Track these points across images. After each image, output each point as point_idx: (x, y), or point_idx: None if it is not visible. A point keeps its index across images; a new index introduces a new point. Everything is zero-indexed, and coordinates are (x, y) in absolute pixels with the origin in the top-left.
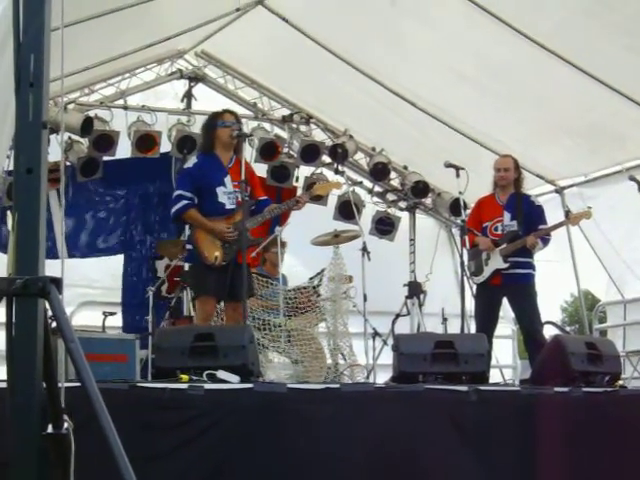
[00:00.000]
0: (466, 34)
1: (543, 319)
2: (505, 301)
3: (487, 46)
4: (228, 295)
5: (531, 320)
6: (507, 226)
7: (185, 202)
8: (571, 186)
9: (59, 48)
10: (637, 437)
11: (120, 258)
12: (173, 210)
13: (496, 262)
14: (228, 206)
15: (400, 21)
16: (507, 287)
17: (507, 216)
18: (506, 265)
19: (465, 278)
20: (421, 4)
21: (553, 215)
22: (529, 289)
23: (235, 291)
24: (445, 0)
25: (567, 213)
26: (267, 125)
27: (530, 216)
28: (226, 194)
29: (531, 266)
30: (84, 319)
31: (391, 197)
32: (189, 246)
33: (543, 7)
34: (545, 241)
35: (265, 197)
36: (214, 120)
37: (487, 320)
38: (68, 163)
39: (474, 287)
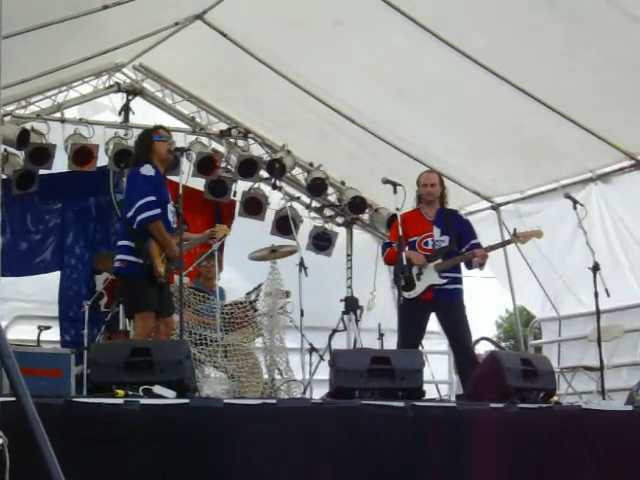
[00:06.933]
0: (405, 51)
1: (478, 335)
2: (433, 316)
3: (426, 63)
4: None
5: (462, 335)
6: (438, 241)
7: (159, 211)
8: (507, 203)
9: None
10: (571, 453)
11: (56, 272)
12: (146, 215)
13: (430, 277)
14: (172, 224)
15: (340, 37)
16: (437, 302)
17: (437, 231)
18: (444, 281)
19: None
20: (362, 21)
21: (489, 232)
22: (459, 304)
23: (165, 305)
24: (385, 17)
25: (514, 231)
26: (205, 139)
27: (460, 231)
28: (171, 212)
29: (461, 281)
30: (19, 333)
31: (328, 212)
32: (132, 258)
33: (481, 25)
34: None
35: None
36: (149, 134)
37: (415, 335)
38: (4, 176)
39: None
